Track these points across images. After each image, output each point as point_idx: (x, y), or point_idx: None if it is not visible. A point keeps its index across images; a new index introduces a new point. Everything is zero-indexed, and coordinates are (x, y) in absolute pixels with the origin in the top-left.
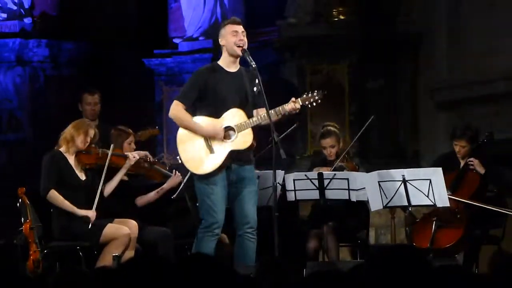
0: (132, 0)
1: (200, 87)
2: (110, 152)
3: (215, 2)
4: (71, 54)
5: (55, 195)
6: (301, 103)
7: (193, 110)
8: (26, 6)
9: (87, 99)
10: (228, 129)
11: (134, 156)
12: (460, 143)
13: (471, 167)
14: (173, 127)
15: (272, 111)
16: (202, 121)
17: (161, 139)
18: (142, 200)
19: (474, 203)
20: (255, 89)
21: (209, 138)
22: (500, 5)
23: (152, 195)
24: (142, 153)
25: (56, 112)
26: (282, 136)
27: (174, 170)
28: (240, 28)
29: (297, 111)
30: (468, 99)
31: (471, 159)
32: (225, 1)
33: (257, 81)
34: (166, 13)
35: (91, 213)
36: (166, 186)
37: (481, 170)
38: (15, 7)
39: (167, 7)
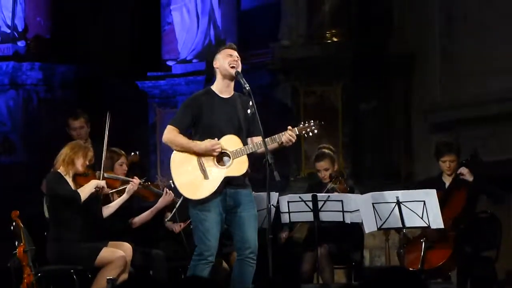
0: (125, 23)
1: (194, 113)
2: (102, 173)
3: (208, 24)
4: (64, 77)
5: (83, 191)
6: (297, 133)
7: (188, 136)
8: (20, 29)
9: (72, 124)
10: (223, 155)
11: (135, 181)
12: (449, 158)
13: (462, 176)
14: (167, 149)
15: (268, 139)
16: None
17: (155, 161)
18: (136, 220)
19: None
20: (249, 111)
21: (203, 163)
22: (493, 27)
23: (145, 215)
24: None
25: (49, 135)
26: None
27: (165, 189)
28: (234, 53)
29: (293, 140)
30: (461, 120)
31: (461, 168)
32: (219, 23)
33: (251, 103)
34: (160, 36)
35: (103, 182)
36: (159, 205)
37: (470, 178)
38: (8, 30)
39: (160, 29)
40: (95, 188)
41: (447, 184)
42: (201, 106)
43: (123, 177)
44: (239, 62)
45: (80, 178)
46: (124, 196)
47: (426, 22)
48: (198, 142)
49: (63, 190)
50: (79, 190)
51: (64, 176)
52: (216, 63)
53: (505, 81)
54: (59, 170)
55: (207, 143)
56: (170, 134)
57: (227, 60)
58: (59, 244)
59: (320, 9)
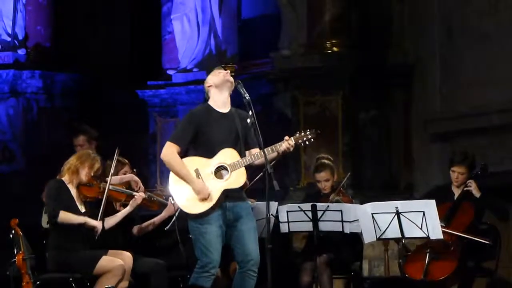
0: (125, 32)
1: (194, 129)
2: (108, 186)
3: (209, 34)
4: (64, 85)
5: (66, 215)
6: (294, 142)
7: (185, 150)
8: (20, 38)
9: (73, 142)
10: (221, 168)
11: (140, 195)
12: (459, 169)
13: (469, 188)
14: None
15: (266, 150)
16: (194, 161)
17: (155, 171)
18: (140, 229)
19: (465, 236)
20: (248, 121)
21: (202, 177)
22: (494, 37)
23: (149, 225)
24: (135, 178)
25: (49, 144)
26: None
27: (169, 198)
28: (223, 70)
29: (291, 149)
30: (461, 131)
31: (470, 181)
32: (219, 32)
33: (250, 113)
34: (160, 44)
35: (99, 224)
36: (164, 215)
37: (477, 194)
38: (9, 39)
39: (161, 38)
40: (85, 225)
41: (456, 195)
42: (201, 121)
43: (129, 190)
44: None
45: (84, 188)
46: (127, 209)
47: (426, 32)
48: (192, 180)
49: (48, 202)
50: (62, 214)
51: (67, 185)
52: (208, 83)
53: (505, 91)
54: (63, 178)
55: (197, 189)
56: (170, 156)
57: (220, 74)
58: (58, 252)
59: (321, 19)
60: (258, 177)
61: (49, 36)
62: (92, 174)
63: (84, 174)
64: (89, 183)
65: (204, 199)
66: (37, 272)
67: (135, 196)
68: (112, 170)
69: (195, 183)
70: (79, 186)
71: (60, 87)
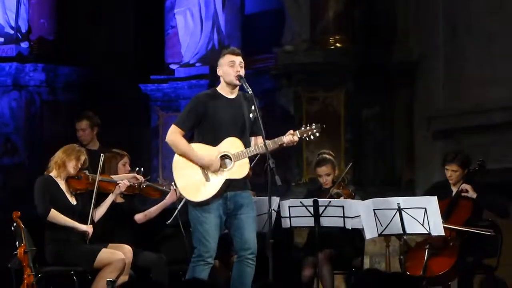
0: (129, 25)
1: (199, 113)
2: (97, 178)
3: (212, 29)
4: (67, 79)
5: (55, 214)
6: (299, 136)
7: (190, 136)
8: (23, 31)
9: (76, 125)
10: (225, 157)
11: (124, 183)
12: (451, 167)
13: (464, 193)
14: (169, 152)
15: (269, 142)
16: (199, 148)
17: (157, 165)
18: (141, 216)
19: (466, 229)
20: (251, 115)
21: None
22: (497, 35)
23: (153, 210)
24: (130, 175)
25: (51, 137)
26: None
27: (172, 186)
28: (238, 59)
29: (295, 143)
30: (464, 128)
31: (463, 185)
32: (222, 27)
33: (253, 107)
34: (163, 39)
35: (90, 228)
36: (167, 201)
37: (473, 195)
38: (12, 32)
39: (164, 32)
40: (76, 229)
41: (454, 191)
42: (206, 107)
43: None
44: (243, 69)
45: (73, 181)
46: (111, 197)
47: (430, 29)
48: (199, 155)
49: (37, 200)
50: (53, 212)
51: (55, 179)
52: (219, 71)
53: (508, 89)
54: (51, 174)
55: (207, 161)
56: (174, 135)
57: (230, 70)
58: (57, 245)
59: (324, 15)
60: (253, 162)
61: (52, 29)
62: (80, 166)
63: (71, 167)
64: (77, 176)
65: (216, 171)
66: (38, 264)
67: (119, 184)
68: (98, 173)
69: (203, 157)
70: (67, 180)
71: (63, 80)
